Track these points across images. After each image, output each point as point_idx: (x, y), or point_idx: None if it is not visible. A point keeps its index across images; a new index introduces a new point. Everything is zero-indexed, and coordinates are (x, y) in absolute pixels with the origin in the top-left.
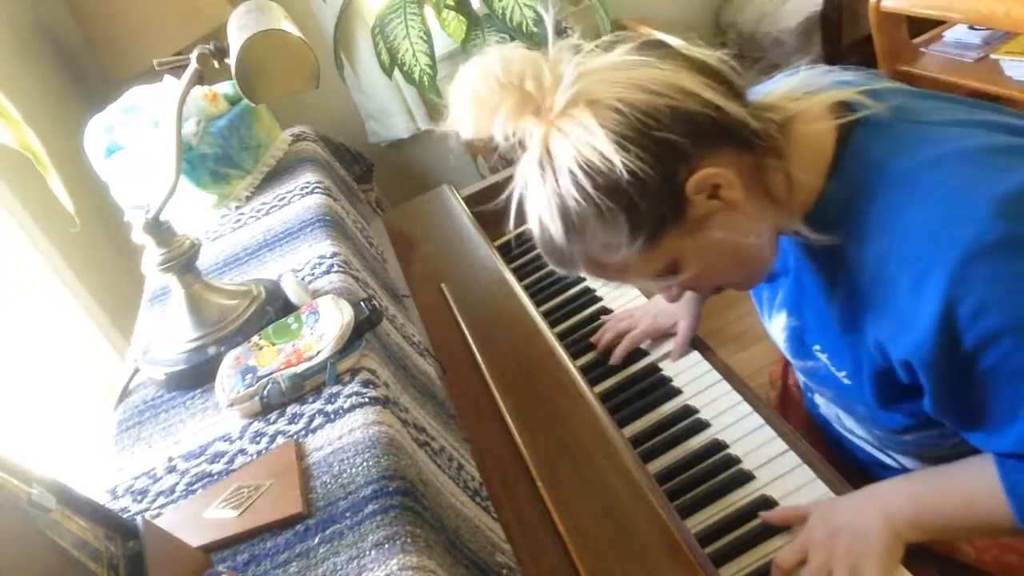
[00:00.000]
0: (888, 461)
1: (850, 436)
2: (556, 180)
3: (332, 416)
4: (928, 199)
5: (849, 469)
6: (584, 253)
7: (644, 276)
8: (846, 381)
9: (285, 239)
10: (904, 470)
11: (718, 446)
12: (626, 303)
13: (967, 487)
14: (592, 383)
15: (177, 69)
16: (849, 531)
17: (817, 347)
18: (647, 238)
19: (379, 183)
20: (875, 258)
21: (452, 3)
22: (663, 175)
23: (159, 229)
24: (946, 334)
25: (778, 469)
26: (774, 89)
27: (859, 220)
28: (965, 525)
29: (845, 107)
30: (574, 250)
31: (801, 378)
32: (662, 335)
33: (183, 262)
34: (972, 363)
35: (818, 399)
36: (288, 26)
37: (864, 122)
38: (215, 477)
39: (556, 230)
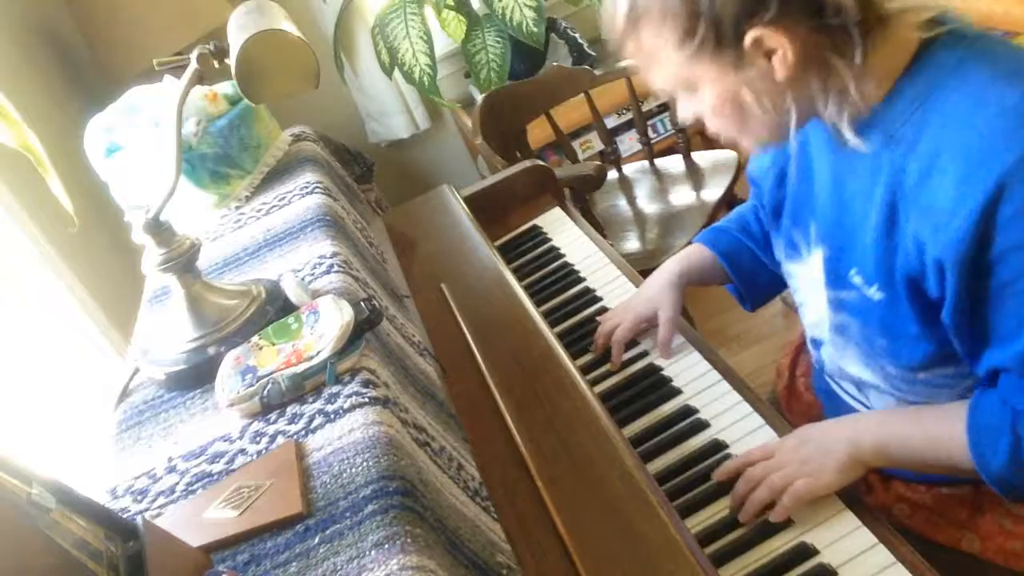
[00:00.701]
0: None
1: (858, 402)
2: None
3: (332, 416)
4: (999, 104)
5: None
6: (635, 31)
7: (666, 81)
8: (877, 296)
9: (285, 239)
10: None
11: (718, 446)
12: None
13: (935, 424)
14: (592, 383)
15: (177, 69)
16: (815, 443)
17: (853, 270)
18: (690, 54)
19: (379, 183)
20: (929, 153)
21: (452, 3)
22: (738, 13)
23: (159, 229)
24: (981, 232)
25: None
26: None
27: (921, 116)
28: (926, 459)
29: (935, 23)
30: (629, 26)
31: (828, 324)
32: (647, 325)
33: (183, 262)
34: (994, 270)
35: (828, 359)
36: (288, 26)
37: (951, 32)
38: (215, 477)
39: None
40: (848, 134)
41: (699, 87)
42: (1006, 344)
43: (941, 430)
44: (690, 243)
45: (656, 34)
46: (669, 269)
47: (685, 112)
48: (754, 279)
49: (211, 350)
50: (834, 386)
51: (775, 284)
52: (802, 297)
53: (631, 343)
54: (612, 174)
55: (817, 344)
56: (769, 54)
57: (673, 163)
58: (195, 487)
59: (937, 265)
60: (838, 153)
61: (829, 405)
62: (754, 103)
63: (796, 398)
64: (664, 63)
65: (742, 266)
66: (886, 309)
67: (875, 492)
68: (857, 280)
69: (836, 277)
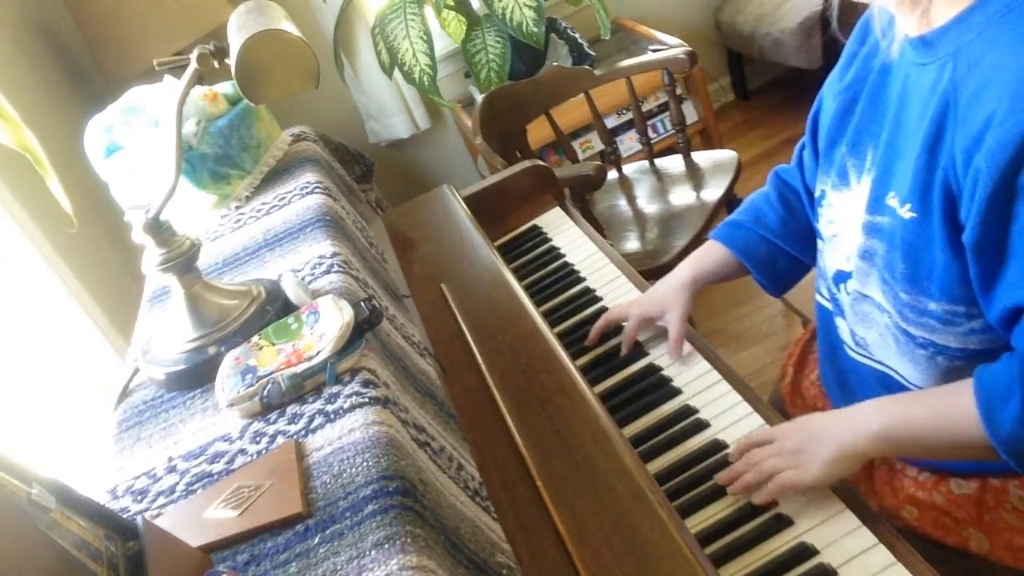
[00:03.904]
0: (896, 377)
1: (863, 351)
2: None
3: (332, 416)
4: None
5: None
6: None
7: None
8: (908, 215)
9: (285, 239)
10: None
11: (718, 446)
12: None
13: (939, 400)
14: (592, 383)
15: (177, 69)
16: (810, 434)
17: (891, 193)
18: None
19: (379, 183)
20: (992, 65)
21: (452, 3)
22: None
23: (159, 229)
24: (1022, 150)
25: None
26: None
27: (994, 32)
28: (932, 439)
29: None
30: None
31: (857, 250)
32: (653, 324)
33: (183, 262)
34: (1021, 194)
35: (851, 291)
36: (288, 26)
37: None
38: (215, 477)
39: None
40: (911, 45)
41: None
42: (1021, 279)
43: (946, 403)
44: (702, 239)
45: None
46: (681, 272)
47: None
48: (774, 268)
49: (211, 350)
50: (842, 327)
51: (797, 269)
52: (837, 229)
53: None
54: (612, 174)
55: (843, 277)
56: None
57: (673, 163)
58: (195, 487)
59: (974, 176)
60: (909, 69)
61: (837, 399)
62: None
63: (800, 395)
64: None
65: (760, 258)
66: (915, 230)
67: (882, 496)
68: (893, 202)
69: (876, 200)
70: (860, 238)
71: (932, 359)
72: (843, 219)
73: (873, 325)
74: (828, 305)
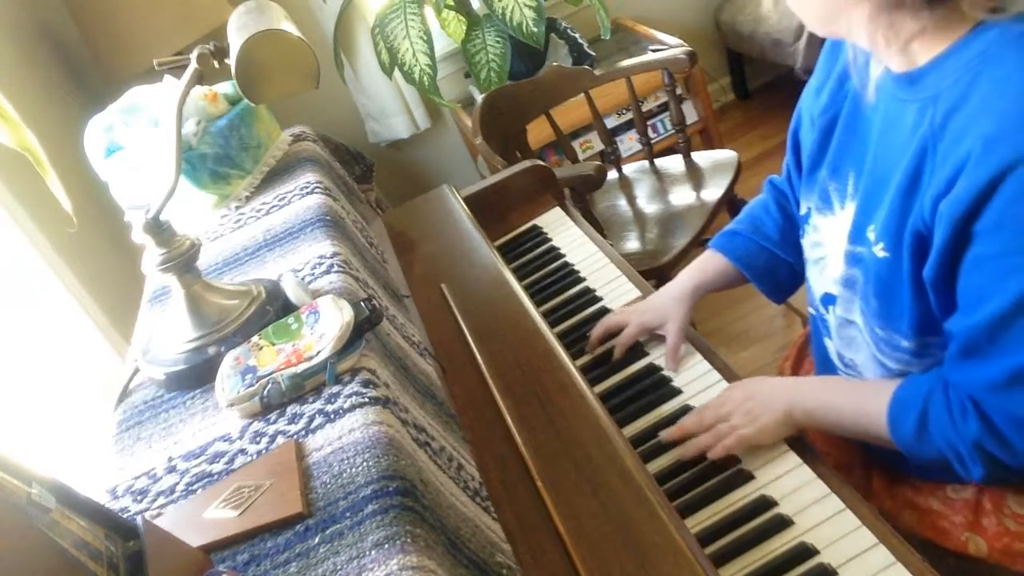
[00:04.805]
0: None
1: (854, 372)
2: None
3: (332, 416)
4: None
5: (846, 457)
6: None
7: None
8: (881, 254)
9: (285, 239)
10: None
11: None
12: (626, 303)
13: (865, 396)
14: (592, 383)
15: (177, 69)
16: (759, 399)
17: (871, 227)
18: None
19: (379, 183)
20: (971, 115)
21: (452, 3)
22: None
23: (159, 229)
24: (980, 200)
25: (778, 469)
26: None
27: (971, 78)
28: (852, 428)
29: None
30: None
31: (840, 277)
32: (652, 334)
33: (183, 262)
34: (975, 241)
35: (837, 316)
36: (288, 26)
37: (1019, 14)
38: (215, 477)
39: None
40: (892, 81)
41: None
42: (962, 314)
43: (869, 401)
44: (701, 239)
45: None
46: (681, 282)
47: None
48: (774, 276)
49: (211, 350)
50: (832, 350)
51: (796, 277)
52: (822, 252)
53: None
54: (612, 174)
55: (830, 300)
56: None
57: (673, 163)
58: (195, 487)
59: (942, 220)
60: (891, 103)
61: None
62: None
63: None
64: None
65: (760, 267)
66: (887, 268)
67: (880, 499)
68: (871, 235)
69: (857, 231)
70: (842, 266)
71: None
72: (828, 244)
73: (860, 349)
74: (818, 313)
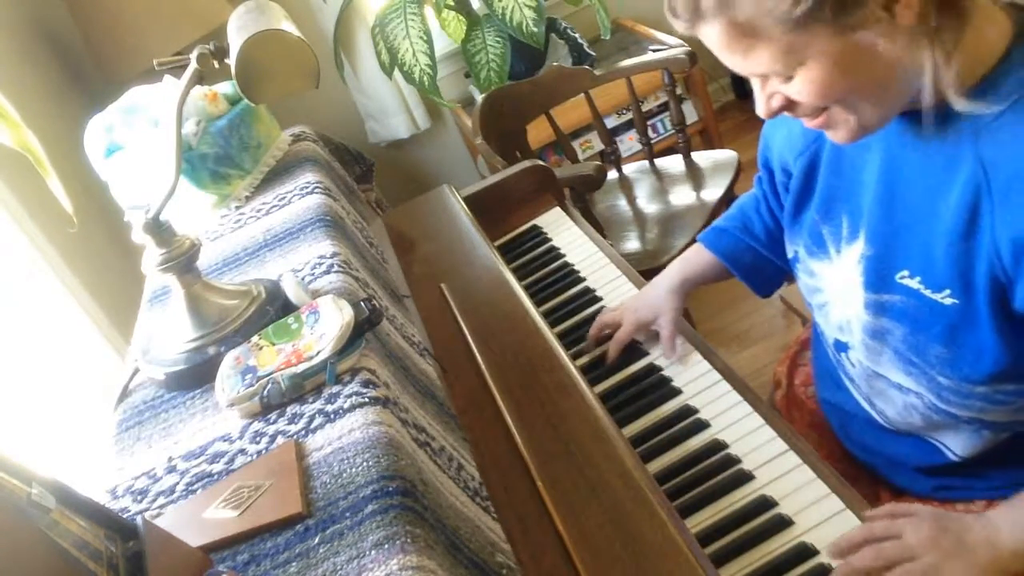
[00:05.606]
0: (931, 439)
1: (881, 417)
2: None
3: (332, 416)
4: None
5: (852, 470)
6: (727, 7)
7: (766, 61)
8: (948, 301)
9: (285, 239)
10: (931, 457)
11: (718, 446)
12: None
13: None
14: (592, 383)
15: (177, 69)
16: (954, 537)
17: (904, 273)
18: (801, 17)
19: (379, 183)
20: None
21: (452, 3)
22: None
23: (159, 229)
24: None
25: (778, 469)
26: None
27: (1018, 111)
28: None
29: None
30: (718, 4)
31: (863, 328)
32: (647, 330)
33: (183, 262)
34: None
35: (856, 363)
36: (288, 26)
37: None
38: (215, 477)
39: None
40: (957, 99)
41: (805, 59)
42: None
43: None
44: (692, 241)
45: (756, 3)
46: (671, 275)
47: (775, 101)
48: (760, 273)
49: (211, 350)
50: (853, 390)
51: (782, 274)
52: (827, 297)
53: (629, 343)
54: (612, 174)
55: (842, 347)
56: (891, 4)
57: (673, 163)
58: (195, 487)
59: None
60: (895, 144)
61: (835, 417)
62: (881, 57)
63: (797, 407)
64: (765, 37)
65: (745, 264)
66: (958, 317)
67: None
68: (912, 283)
69: (879, 279)
70: (865, 316)
71: (977, 432)
72: (831, 291)
73: (891, 402)
74: (830, 354)
